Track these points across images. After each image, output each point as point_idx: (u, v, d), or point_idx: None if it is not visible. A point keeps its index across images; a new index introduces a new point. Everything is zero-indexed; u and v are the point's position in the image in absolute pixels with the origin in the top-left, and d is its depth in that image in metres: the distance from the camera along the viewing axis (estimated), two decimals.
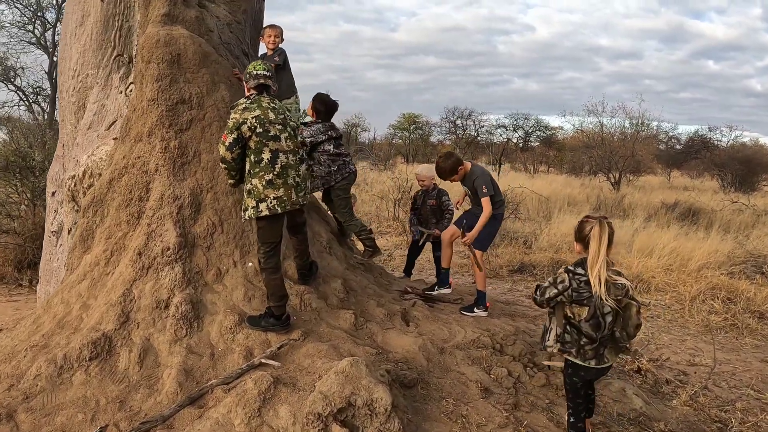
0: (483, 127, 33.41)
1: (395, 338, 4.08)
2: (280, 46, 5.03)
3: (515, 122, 33.27)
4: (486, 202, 4.67)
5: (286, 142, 3.73)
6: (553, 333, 3.07)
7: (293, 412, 3.03)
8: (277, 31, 4.99)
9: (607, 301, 2.86)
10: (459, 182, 4.89)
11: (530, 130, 33.58)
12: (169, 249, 3.89)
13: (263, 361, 3.53)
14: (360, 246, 5.36)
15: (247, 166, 3.66)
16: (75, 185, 4.60)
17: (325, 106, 4.85)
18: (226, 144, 3.61)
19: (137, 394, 3.38)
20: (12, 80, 19.18)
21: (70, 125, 4.88)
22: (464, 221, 5.02)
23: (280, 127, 3.71)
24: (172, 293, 3.81)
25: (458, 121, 33.86)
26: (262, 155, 3.63)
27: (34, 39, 19.56)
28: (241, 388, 3.22)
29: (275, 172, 3.64)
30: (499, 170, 25.95)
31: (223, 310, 3.83)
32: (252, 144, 3.62)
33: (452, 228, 5.16)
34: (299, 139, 3.90)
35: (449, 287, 5.39)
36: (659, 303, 7.04)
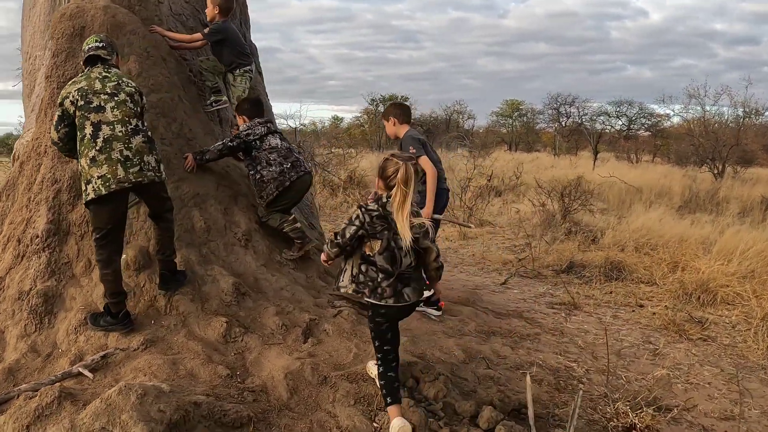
0: (586, 114, 31.34)
1: (271, 358, 3.35)
2: (216, 20, 4.50)
3: (618, 109, 30.97)
4: (425, 162, 4.25)
5: (112, 111, 3.26)
6: (348, 273, 2.98)
7: None
8: (215, 3, 4.48)
9: (406, 239, 2.85)
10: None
11: (634, 118, 31.06)
12: (38, 237, 3.65)
13: (80, 370, 3.08)
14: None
15: (78, 146, 3.24)
16: None
17: (248, 103, 4.39)
18: (54, 122, 3.25)
19: None
20: None
21: (27, 108, 4.94)
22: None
23: (105, 96, 3.26)
24: (34, 284, 3.55)
25: (561, 108, 32.16)
26: (85, 130, 3.22)
27: None
28: (25, 399, 2.81)
29: (97, 148, 3.20)
30: (595, 159, 24.09)
31: (78, 307, 3.47)
32: (77, 120, 3.22)
33: None
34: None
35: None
36: (722, 320, 5.23)
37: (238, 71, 4.54)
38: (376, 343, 3.03)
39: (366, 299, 2.96)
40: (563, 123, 32.01)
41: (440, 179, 4.44)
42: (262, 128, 4.30)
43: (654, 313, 5.53)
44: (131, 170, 3.25)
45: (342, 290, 3.00)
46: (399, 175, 2.83)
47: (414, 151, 4.22)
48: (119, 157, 3.22)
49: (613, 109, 31.31)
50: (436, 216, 4.55)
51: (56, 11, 4.09)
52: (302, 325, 3.67)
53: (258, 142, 4.28)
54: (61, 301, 3.54)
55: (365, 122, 32.83)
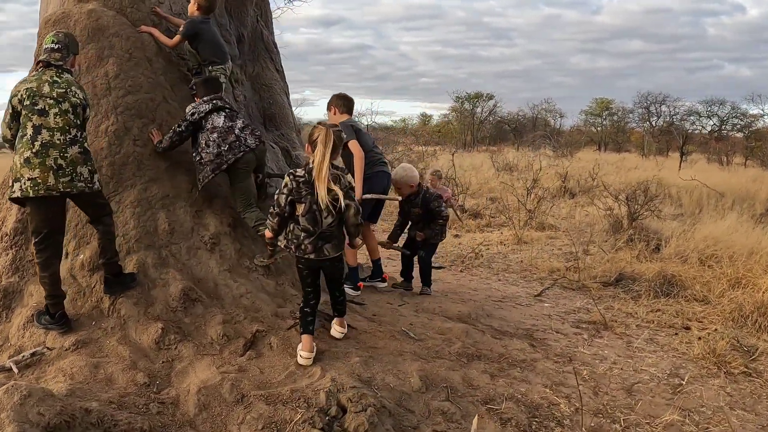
0: (677, 114, 29.71)
1: (199, 369, 3.25)
2: (194, 16, 4.50)
3: (709, 109, 29.31)
4: (353, 145, 4.64)
5: (54, 118, 3.31)
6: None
7: None
8: (196, 0, 4.47)
9: (323, 200, 3.23)
10: None
11: (726, 118, 29.30)
12: (6, 235, 3.82)
13: (11, 365, 3.16)
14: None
15: (16, 142, 3.33)
16: None
17: (202, 82, 4.33)
18: (6, 120, 3.36)
19: None
20: None
21: None
22: None
23: (51, 101, 3.33)
24: (0, 280, 3.72)
25: (652, 108, 30.81)
26: (26, 130, 3.31)
27: None
28: None
29: (34, 150, 3.26)
30: (681, 160, 22.45)
31: (32, 304, 3.59)
32: (21, 118, 3.31)
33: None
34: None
35: (383, 280, 5.38)
36: None
37: (211, 68, 4.49)
38: (301, 284, 3.61)
39: (293, 253, 3.45)
40: (653, 123, 30.75)
41: (378, 163, 4.94)
42: (206, 105, 4.12)
43: (700, 338, 4.78)
44: (62, 180, 3.31)
45: (279, 244, 3.54)
46: (319, 137, 3.22)
47: (345, 136, 4.38)
48: (53, 164, 3.29)
49: (704, 108, 29.85)
50: (367, 195, 4.80)
51: (42, 17, 4.28)
52: (247, 336, 3.54)
53: (203, 121, 4.12)
54: (20, 297, 3.68)
55: (453, 120, 32.48)
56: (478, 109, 32.92)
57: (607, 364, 4.34)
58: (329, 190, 3.24)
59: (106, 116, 4.07)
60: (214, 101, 4.16)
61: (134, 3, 4.60)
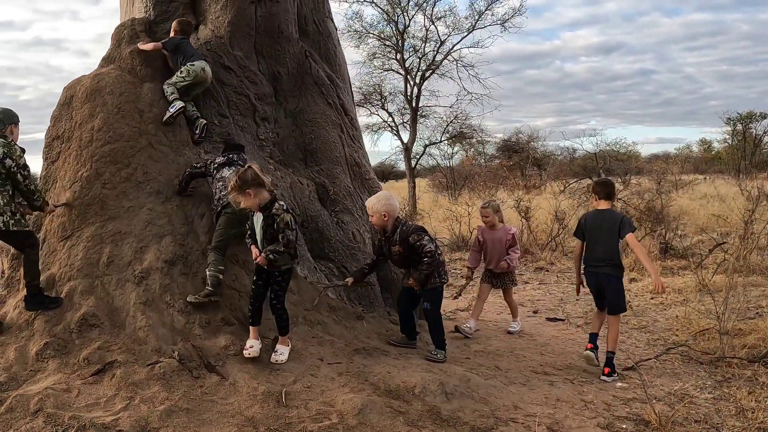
0: None
1: (45, 383, 3.92)
2: (176, 37, 5.59)
3: None
4: None
5: None
6: None
7: None
8: (174, 29, 5.64)
9: None
10: None
11: None
12: None
13: None
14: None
15: None
16: None
17: (226, 143, 5.57)
18: None
19: None
20: (383, 105, 21.74)
21: None
22: None
23: None
24: None
25: None
26: None
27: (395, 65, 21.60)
28: None
29: None
30: None
31: None
32: None
33: None
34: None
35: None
36: None
37: (189, 64, 5.44)
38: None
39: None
40: None
41: None
42: (221, 159, 5.11)
43: None
44: None
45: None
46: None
47: None
48: None
49: None
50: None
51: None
52: (100, 364, 4.10)
53: (216, 172, 5.05)
54: None
55: (733, 143, 27.18)
56: (753, 131, 26.81)
57: None
58: None
59: (84, 164, 5.10)
60: (230, 156, 5.11)
61: (144, 61, 5.59)
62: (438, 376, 4.43)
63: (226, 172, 4.96)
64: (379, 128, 21.96)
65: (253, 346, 4.38)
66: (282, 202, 4.45)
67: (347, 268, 6.22)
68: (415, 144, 20.61)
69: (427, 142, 21.85)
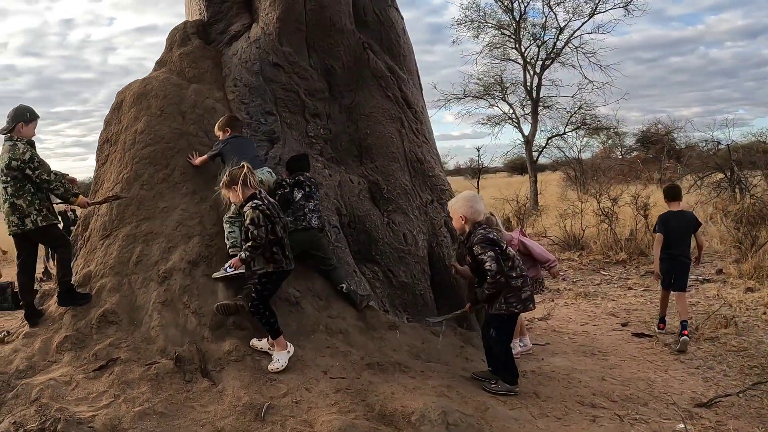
0: None
1: (54, 374, 4.18)
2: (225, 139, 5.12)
3: None
4: None
5: None
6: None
7: None
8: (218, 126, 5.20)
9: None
10: None
11: None
12: None
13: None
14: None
15: None
16: None
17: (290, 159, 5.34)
18: None
19: None
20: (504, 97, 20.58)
21: None
22: None
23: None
24: None
25: None
26: None
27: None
28: None
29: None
30: None
31: None
32: None
33: None
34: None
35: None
36: None
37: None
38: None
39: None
40: None
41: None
42: (290, 180, 5.12)
43: None
44: (7, 225, 4.83)
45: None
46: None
47: None
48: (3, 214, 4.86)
49: None
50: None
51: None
52: (104, 360, 4.27)
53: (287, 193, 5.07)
54: None
55: None
56: None
57: None
58: None
59: (125, 165, 5.39)
60: (297, 178, 5.11)
61: (192, 63, 5.78)
62: (447, 403, 3.97)
63: (297, 194, 5.03)
64: (500, 120, 21.22)
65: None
66: (258, 201, 4.33)
67: (393, 272, 5.90)
68: (536, 136, 19.48)
69: (549, 134, 20.70)
